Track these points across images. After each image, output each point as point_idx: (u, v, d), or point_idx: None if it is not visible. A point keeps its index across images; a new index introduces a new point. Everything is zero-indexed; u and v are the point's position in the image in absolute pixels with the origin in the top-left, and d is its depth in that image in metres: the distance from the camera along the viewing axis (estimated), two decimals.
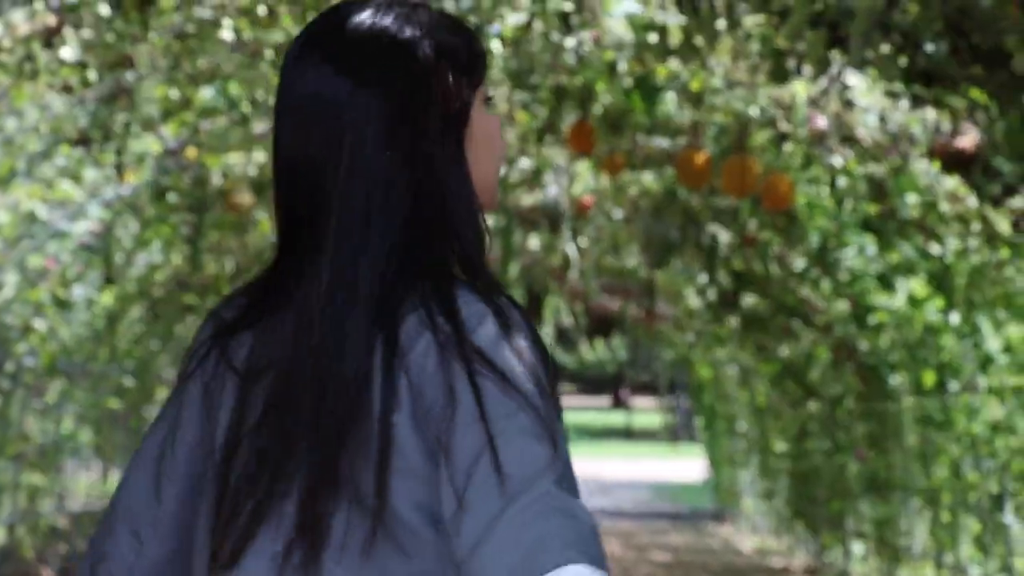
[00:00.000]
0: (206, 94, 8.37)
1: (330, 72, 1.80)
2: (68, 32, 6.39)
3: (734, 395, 17.00)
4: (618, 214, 11.04)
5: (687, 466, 30.49)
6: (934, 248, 8.24)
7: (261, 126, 8.59)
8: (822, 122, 7.38)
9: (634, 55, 7.04)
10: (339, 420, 1.73)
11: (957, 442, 9.16)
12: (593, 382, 56.14)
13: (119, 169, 8.86)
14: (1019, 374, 8.41)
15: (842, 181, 7.93)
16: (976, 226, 7.53)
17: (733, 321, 12.50)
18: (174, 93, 7.99)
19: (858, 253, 9.66)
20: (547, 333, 20.34)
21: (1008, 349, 8.50)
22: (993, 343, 8.59)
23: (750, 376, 15.57)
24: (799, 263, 10.49)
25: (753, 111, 7.21)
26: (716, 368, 17.36)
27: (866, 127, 7.37)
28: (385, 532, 1.71)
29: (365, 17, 1.81)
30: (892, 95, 6.15)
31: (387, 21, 1.81)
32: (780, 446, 14.55)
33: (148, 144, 9.24)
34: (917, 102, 6.04)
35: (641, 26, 6.56)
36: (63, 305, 10.13)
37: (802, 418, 13.28)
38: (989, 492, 8.76)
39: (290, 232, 1.82)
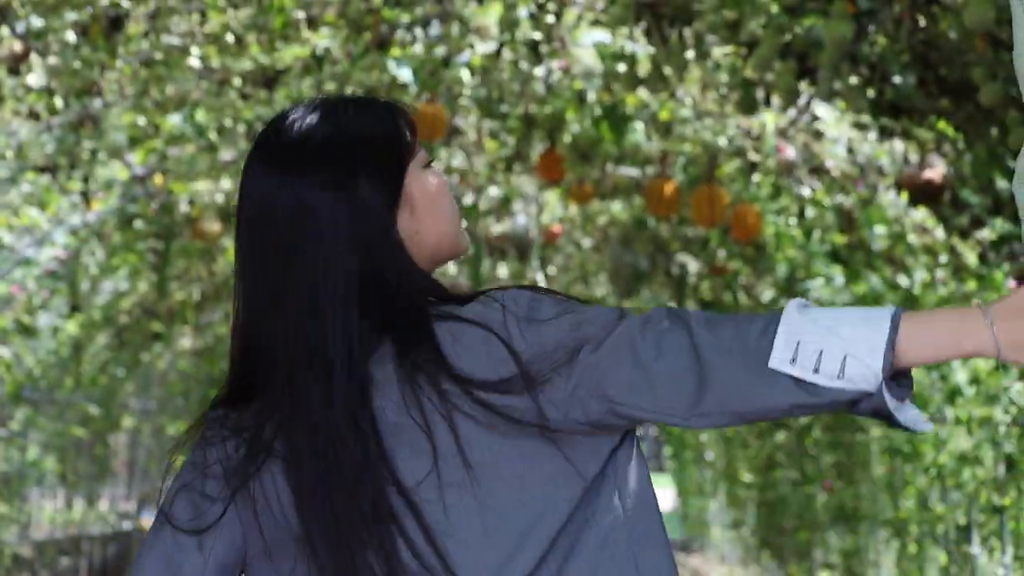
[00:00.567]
0: (173, 121, 8.34)
1: (265, 174, 2.02)
2: (35, 59, 6.35)
3: None
4: (587, 243, 11.04)
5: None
6: (902, 279, 8.25)
7: (229, 154, 8.56)
8: (791, 153, 7.39)
9: (603, 85, 7.05)
10: None
11: (924, 473, 9.16)
12: None
13: (85, 196, 8.82)
14: (986, 405, 8.41)
15: (811, 211, 7.94)
16: (944, 258, 7.55)
17: None
18: (141, 120, 7.96)
19: (826, 284, 9.67)
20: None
21: (975, 380, 8.50)
22: (960, 374, 8.59)
23: None
24: (768, 293, 10.50)
25: (722, 141, 7.22)
26: None
27: (834, 158, 7.39)
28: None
29: (294, 120, 2.03)
30: (860, 126, 6.17)
31: (312, 121, 2.03)
32: (748, 476, 14.54)
33: (115, 171, 9.20)
34: (885, 134, 6.05)
35: (610, 56, 6.56)
36: (28, 332, 10.06)
37: (769, 448, 13.28)
38: (956, 523, 8.75)
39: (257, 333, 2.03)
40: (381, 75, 7.09)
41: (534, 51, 6.72)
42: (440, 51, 6.94)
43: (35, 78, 6.69)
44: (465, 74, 6.92)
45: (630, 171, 8.59)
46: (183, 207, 9.91)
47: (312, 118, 2.03)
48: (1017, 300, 1.83)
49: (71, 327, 11.09)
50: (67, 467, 13.64)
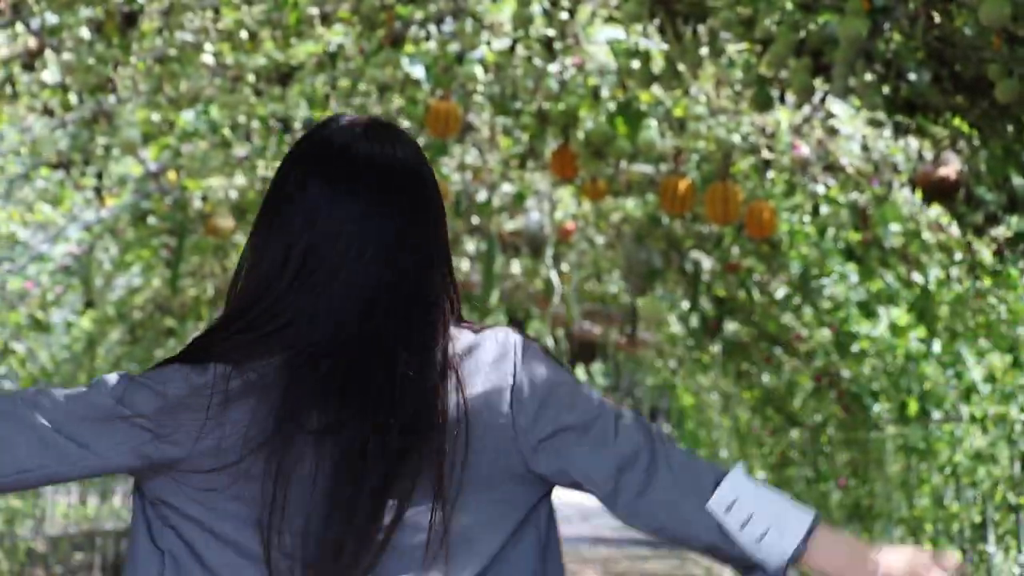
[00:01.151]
0: (187, 118, 8.34)
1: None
2: (49, 55, 6.35)
3: (716, 422, 16.97)
4: (601, 240, 11.03)
5: None
6: (917, 277, 8.22)
7: (242, 150, 8.56)
8: (805, 150, 7.37)
9: (617, 81, 7.03)
10: None
11: (939, 471, 9.13)
12: None
13: (99, 192, 8.82)
14: (1001, 403, 8.38)
15: (825, 209, 7.91)
16: (959, 255, 7.52)
17: (715, 348, 12.48)
18: (155, 116, 7.96)
19: (840, 281, 9.64)
20: None
21: (990, 378, 8.48)
22: (976, 372, 8.57)
23: (732, 403, 15.54)
24: (781, 291, 10.48)
25: (736, 138, 7.20)
26: (698, 395, 17.34)
27: (849, 155, 7.37)
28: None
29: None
30: (875, 123, 6.14)
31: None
32: (762, 473, 14.51)
33: (128, 167, 9.21)
34: (900, 130, 6.03)
35: (624, 52, 6.54)
36: (42, 328, 10.07)
37: (784, 445, 13.25)
38: (972, 521, 8.73)
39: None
40: (395, 72, 7.08)
41: (548, 48, 6.70)
42: (454, 47, 6.93)
43: (49, 74, 6.70)
44: (479, 70, 6.91)
45: (644, 168, 8.57)
46: (196, 203, 9.92)
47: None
48: (907, 561, 2.07)
49: (85, 323, 11.11)
50: None
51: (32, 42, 6.26)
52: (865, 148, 7.28)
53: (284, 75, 7.28)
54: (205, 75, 7.13)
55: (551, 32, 6.68)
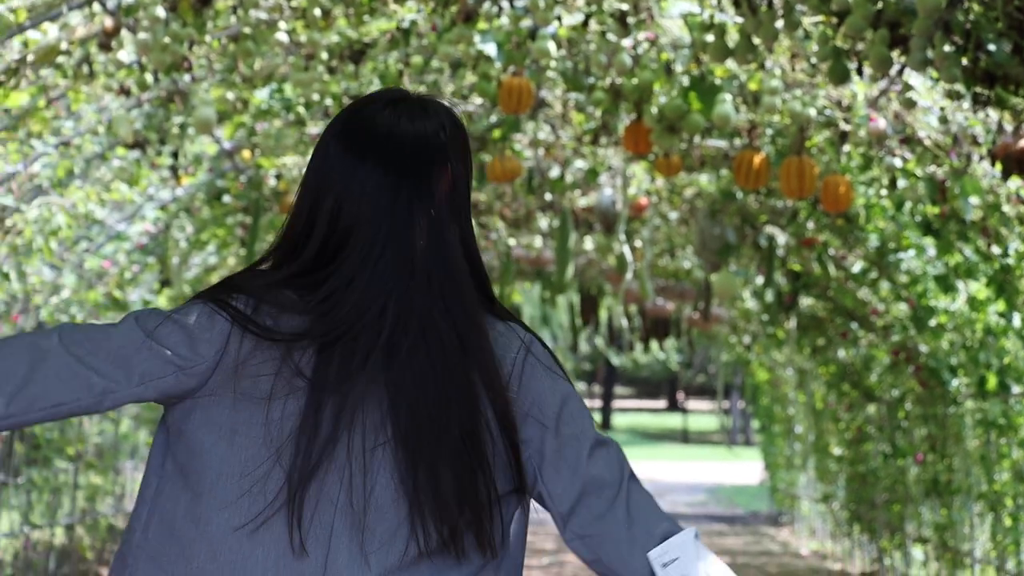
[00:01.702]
0: (261, 96, 8.38)
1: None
2: (125, 34, 6.39)
3: (791, 397, 16.88)
4: (674, 216, 10.98)
5: (743, 469, 30.33)
6: (995, 250, 8.12)
7: (316, 128, 8.59)
8: (882, 123, 7.29)
9: (691, 55, 6.98)
10: None
11: (1020, 446, 9.04)
12: (649, 384, 55.99)
13: (175, 171, 8.89)
14: None
15: (902, 182, 7.83)
16: None
17: (790, 323, 12.40)
18: (230, 95, 8.00)
19: (918, 255, 9.55)
20: (602, 335, 20.27)
21: None
22: None
23: (807, 378, 15.45)
24: (857, 265, 10.39)
25: (812, 112, 7.14)
26: (773, 370, 17.25)
27: (927, 128, 7.28)
28: None
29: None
30: (953, 95, 6.06)
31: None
32: (838, 449, 14.42)
33: (204, 146, 9.26)
34: (979, 102, 5.94)
35: (698, 26, 6.50)
36: (119, 306, 10.17)
37: (860, 421, 13.16)
38: None
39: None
40: (467, 48, 7.07)
41: (621, 22, 6.66)
42: (526, 23, 6.91)
43: (125, 54, 6.74)
44: (551, 46, 6.89)
45: (718, 143, 8.52)
46: (271, 181, 9.97)
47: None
48: None
49: (161, 301, 11.20)
50: None
51: (108, 22, 6.30)
52: (943, 120, 7.19)
53: (357, 52, 7.29)
54: (279, 53, 7.15)
55: (624, 6, 6.65)
